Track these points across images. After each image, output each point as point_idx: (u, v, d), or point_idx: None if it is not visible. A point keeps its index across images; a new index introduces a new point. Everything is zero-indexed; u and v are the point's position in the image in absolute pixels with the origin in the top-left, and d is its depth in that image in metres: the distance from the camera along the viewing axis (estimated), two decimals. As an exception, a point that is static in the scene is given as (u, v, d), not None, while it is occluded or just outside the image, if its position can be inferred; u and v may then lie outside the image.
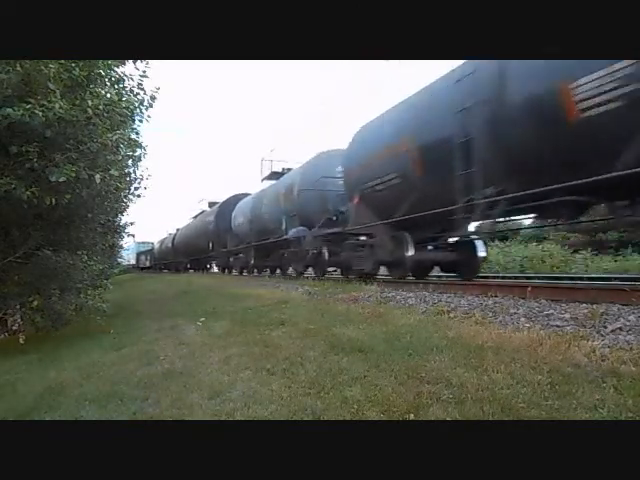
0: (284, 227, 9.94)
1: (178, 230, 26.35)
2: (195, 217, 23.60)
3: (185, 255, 23.03)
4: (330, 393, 2.16)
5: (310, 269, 9.96)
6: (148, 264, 35.47)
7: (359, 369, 2.43)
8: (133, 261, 39.36)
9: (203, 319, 5.06)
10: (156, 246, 33.98)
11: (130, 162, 6.80)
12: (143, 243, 38.42)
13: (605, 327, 2.61)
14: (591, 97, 3.47)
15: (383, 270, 7.61)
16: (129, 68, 6.42)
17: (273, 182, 12.29)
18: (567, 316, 2.97)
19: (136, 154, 6.38)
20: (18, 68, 4.08)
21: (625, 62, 3.15)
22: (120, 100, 5.16)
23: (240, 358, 3.08)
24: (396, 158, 5.78)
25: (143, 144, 6.64)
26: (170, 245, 26.60)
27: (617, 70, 3.25)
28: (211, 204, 20.38)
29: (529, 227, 7.26)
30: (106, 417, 2.35)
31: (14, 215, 5.20)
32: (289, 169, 11.89)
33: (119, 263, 18.16)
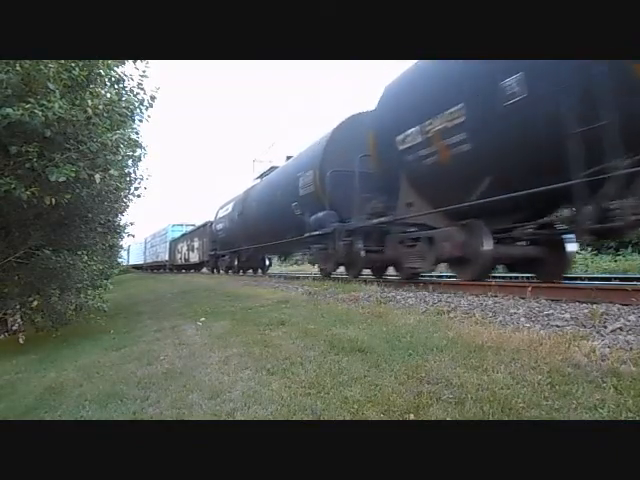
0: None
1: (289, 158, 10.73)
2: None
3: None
4: (330, 393, 2.15)
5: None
6: (197, 259, 19.39)
7: (359, 369, 2.43)
8: (164, 256, 26.16)
9: (203, 319, 5.06)
10: (222, 214, 15.61)
11: (130, 162, 6.81)
12: (180, 225, 25.04)
13: (605, 327, 2.61)
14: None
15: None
16: (129, 68, 6.42)
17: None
18: (567, 316, 2.96)
19: (136, 154, 6.38)
20: (18, 68, 4.08)
21: None
22: (120, 100, 5.17)
23: (240, 358, 3.08)
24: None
25: (143, 144, 6.67)
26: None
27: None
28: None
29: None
30: (106, 417, 2.35)
31: (14, 215, 5.20)
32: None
33: (119, 263, 17.56)
